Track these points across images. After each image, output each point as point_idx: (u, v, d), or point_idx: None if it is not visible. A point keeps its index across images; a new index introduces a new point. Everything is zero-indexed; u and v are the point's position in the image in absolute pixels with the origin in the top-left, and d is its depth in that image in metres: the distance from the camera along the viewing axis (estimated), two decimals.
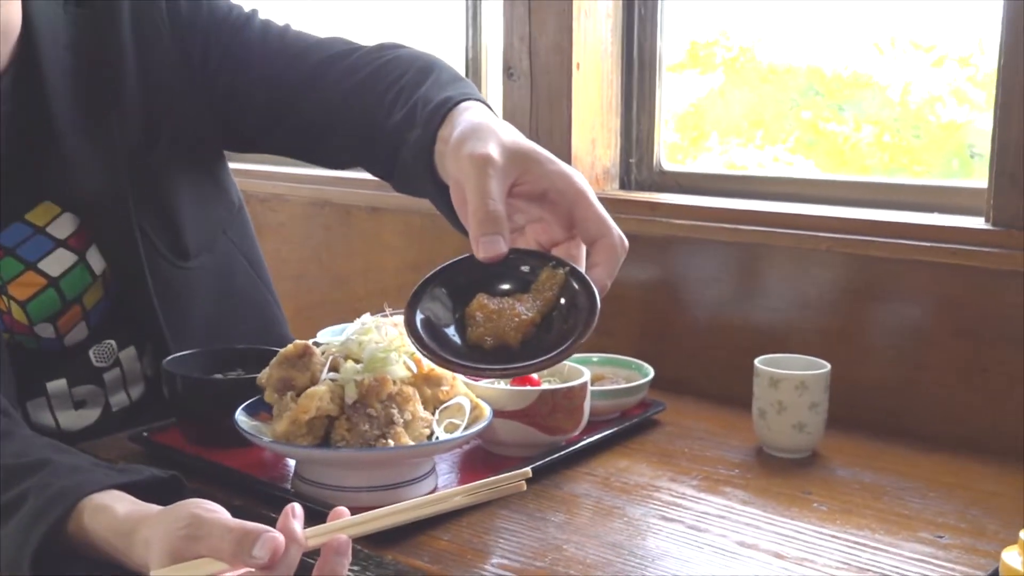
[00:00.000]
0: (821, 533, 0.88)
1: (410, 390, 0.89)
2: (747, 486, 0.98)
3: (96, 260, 1.06)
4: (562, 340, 0.66)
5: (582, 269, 0.72)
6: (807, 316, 1.26)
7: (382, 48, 1.04)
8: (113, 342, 1.10)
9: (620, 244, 0.72)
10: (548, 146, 1.48)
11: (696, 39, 1.58)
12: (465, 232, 0.73)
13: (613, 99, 1.52)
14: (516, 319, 0.67)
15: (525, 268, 0.71)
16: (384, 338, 0.91)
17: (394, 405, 0.87)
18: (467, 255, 0.70)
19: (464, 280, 0.70)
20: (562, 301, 0.69)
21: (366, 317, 0.96)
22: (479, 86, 1.71)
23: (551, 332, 0.68)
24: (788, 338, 1.26)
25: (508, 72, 1.52)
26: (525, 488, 0.67)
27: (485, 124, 0.77)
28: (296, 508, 0.68)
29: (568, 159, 1.46)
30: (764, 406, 1.06)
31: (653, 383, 1.17)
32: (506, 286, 0.70)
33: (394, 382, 0.88)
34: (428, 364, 0.92)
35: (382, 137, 0.97)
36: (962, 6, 1.32)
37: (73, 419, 1.10)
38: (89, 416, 1.11)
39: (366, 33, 1.98)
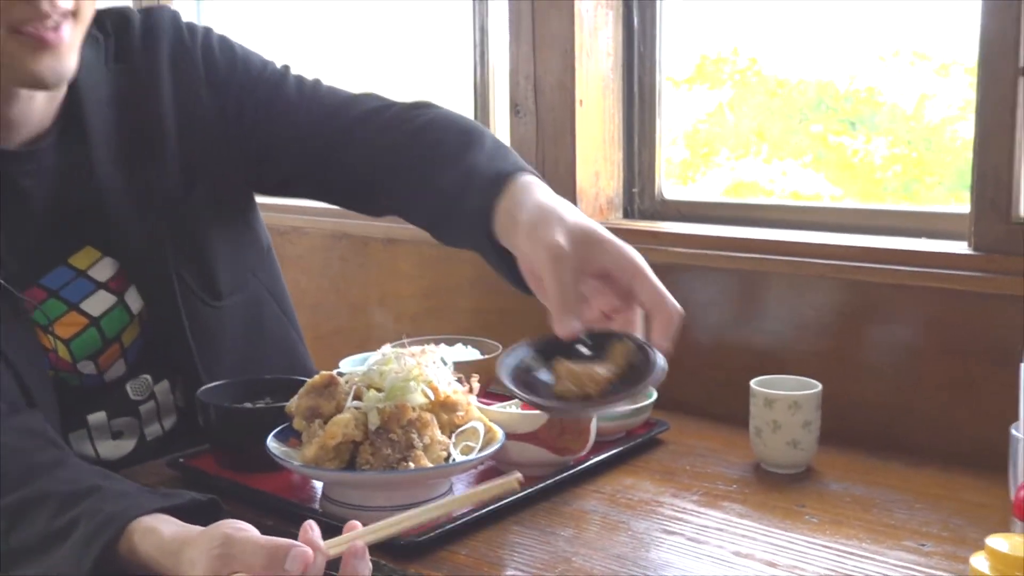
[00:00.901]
0: (812, 543, 0.94)
1: (428, 416, 0.96)
2: (744, 500, 1.05)
3: (134, 301, 1.14)
4: (634, 386, 0.81)
5: (641, 335, 0.86)
6: (803, 338, 1.33)
7: (416, 106, 1.13)
8: (148, 377, 1.18)
9: (676, 313, 0.86)
10: (553, 178, 1.57)
11: (706, 54, 1.63)
12: (522, 287, 0.92)
13: (615, 133, 1.60)
14: (595, 378, 0.82)
15: (597, 338, 0.86)
16: (403, 368, 0.99)
17: (414, 430, 0.95)
18: (550, 334, 0.84)
19: (548, 347, 0.86)
20: (631, 364, 0.83)
21: (386, 348, 1.04)
22: (487, 122, 1.80)
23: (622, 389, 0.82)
24: (785, 359, 1.32)
25: (515, 109, 1.60)
26: (519, 488, 0.76)
27: (549, 207, 0.90)
28: (313, 523, 0.76)
29: (573, 191, 1.54)
30: (760, 425, 1.13)
31: (657, 404, 1.24)
32: (583, 351, 0.85)
33: (413, 409, 0.95)
34: (444, 391, 1.00)
35: (426, 196, 1.06)
36: (968, 16, 1.31)
37: (111, 449, 1.18)
38: (126, 446, 1.18)
39: (377, 73, 2.07)
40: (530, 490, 1.03)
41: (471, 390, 1.05)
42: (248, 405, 1.14)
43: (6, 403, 0.99)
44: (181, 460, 1.12)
